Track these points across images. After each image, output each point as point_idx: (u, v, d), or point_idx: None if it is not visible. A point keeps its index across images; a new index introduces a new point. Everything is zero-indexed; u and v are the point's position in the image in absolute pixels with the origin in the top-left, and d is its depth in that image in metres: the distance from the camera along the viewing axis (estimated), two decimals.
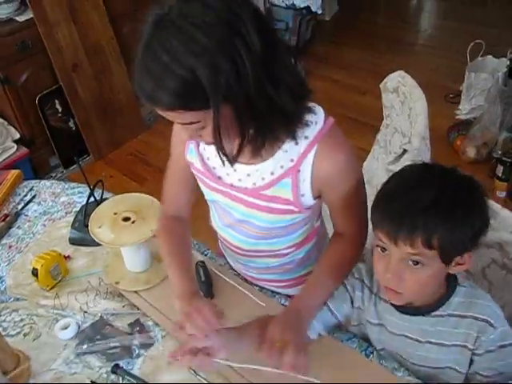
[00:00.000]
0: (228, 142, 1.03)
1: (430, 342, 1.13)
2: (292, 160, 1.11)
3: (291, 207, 1.16)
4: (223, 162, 1.10)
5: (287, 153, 1.11)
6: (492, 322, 1.07)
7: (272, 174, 1.13)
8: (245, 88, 0.93)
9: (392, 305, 1.15)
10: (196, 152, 1.23)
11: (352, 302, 1.22)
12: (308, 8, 4.12)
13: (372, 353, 1.22)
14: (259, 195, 1.16)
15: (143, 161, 3.52)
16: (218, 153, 1.04)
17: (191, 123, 0.98)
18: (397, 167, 1.65)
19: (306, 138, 1.08)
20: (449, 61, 3.99)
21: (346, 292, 1.21)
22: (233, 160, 1.09)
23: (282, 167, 1.12)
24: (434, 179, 1.01)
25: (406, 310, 1.13)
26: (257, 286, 1.44)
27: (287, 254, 1.34)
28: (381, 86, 2.05)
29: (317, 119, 1.09)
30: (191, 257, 1.32)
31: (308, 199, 1.15)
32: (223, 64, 0.90)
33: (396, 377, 1.17)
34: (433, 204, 0.96)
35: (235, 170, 1.17)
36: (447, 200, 0.98)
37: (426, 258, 0.99)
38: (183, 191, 1.34)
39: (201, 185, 1.28)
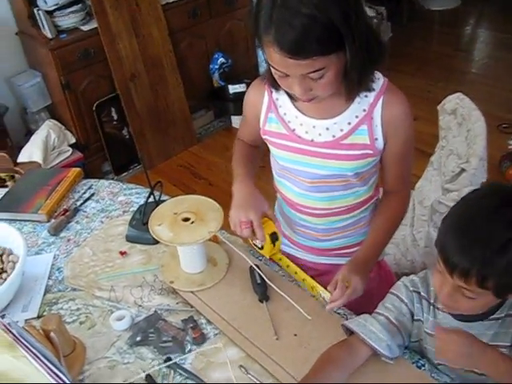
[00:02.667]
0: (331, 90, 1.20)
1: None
2: (364, 110, 1.27)
3: (367, 151, 1.30)
4: (349, 92, 1.24)
5: (359, 104, 1.27)
6: None
7: (349, 124, 1.29)
8: (364, 34, 1.11)
9: (450, 313, 1.15)
10: (277, 118, 1.36)
11: (412, 316, 1.21)
12: None
13: (424, 365, 1.21)
14: (339, 145, 1.30)
15: (193, 173, 3.59)
16: (348, 80, 1.19)
17: (317, 70, 1.11)
18: (454, 186, 1.66)
19: (373, 90, 1.26)
20: (503, 91, 3.97)
21: (405, 307, 1.21)
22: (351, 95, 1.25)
23: (356, 117, 1.28)
24: (508, 219, 0.98)
25: (465, 317, 1.13)
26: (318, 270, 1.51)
27: (358, 207, 1.44)
28: (438, 107, 2.06)
29: (379, 76, 1.28)
30: (256, 166, 1.51)
31: (380, 143, 1.30)
32: (351, 12, 1.07)
33: None
34: (496, 249, 0.96)
35: (314, 127, 1.31)
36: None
37: (479, 294, 1.01)
38: (249, 131, 1.50)
39: (279, 151, 1.38)
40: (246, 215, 1.31)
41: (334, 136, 1.30)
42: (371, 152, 1.30)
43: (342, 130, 1.29)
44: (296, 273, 1.38)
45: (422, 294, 1.21)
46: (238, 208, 1.35)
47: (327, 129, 1.30)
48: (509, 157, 3.20)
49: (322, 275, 1.50)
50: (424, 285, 1.22)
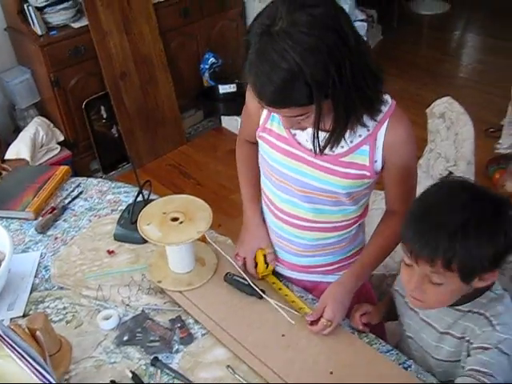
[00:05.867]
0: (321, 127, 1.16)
1: (448, 333, 1.18)
2: (368, 130, 1.23)
3: (364, 172, 1.27)
4: (315, 149, 1.22)
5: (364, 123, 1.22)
6: (494, 322, 1.10)
7: (351, 142, 1.25)
8: (345, 86, 1.06)
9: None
10: (280, 118, 1.30)
11: None
12: None
13: (410, 366, 1.22)
14: (338, 162, 1.27)
15: (182, 172, 3.58)
16: (313, 140, 1.19)
17: (299, 115, 1.12)
18: None
19: (380, 111, 1.21)
20: (490, 96, 4.00)
21: None
22: (322, 150, 1.23)
23: (360, 136, 1.24)
24: (463, 202, 1.05)
25: None
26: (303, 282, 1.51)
27: (345, 227, 1.42)
28: (427, 111, 2.08)
29: (387, 98, 1.24)
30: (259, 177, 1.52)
31: (378, 165, 1.28)
32: (330, 67, 1.02)
33: None
34: (456, 230, 1.01)
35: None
36: (472, 225, 1.01)
37: (446, 278, 1.05)
38: (251, 127, 1.44)
39: (273, 152, 1.34)
40: (244, 253, 1.47)
41: (333, 151, 1.26)
42: (368, 174, 1.27)
43: (342, 147, 1.26)
44: (286, 295, 1.43)
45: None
46: (240, 243, 1.51)
47: (313, 138, 1.23)
48: (496, 161, 3.23)
49: (308, 291, 1.49)
50: None
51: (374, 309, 1.37)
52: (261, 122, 1.36)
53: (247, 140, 1.56)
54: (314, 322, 1.30)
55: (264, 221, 1.52)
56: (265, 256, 1.46)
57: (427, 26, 5.53)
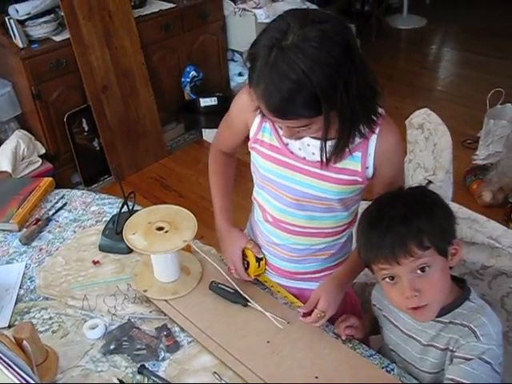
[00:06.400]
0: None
1: (431, 345, 1.20)
2: (360, 137, 1.25)
3: (356, 178, 1.30)
4: (322, 160, 1.25)
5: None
6: (478, 333, 1.13)
7: None
8: (351, 99, 1.10)
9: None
10: (271, 129, 1.34)
11: None
12: None
13: (393, 369, 1.25)
14: (331, 168, 1.29)
15: (163, 185, 3.59)
16: (321, 151, 1.23)
17: (303, 126, 1.15)
18: None
19: (376, 122, 1.25)
20: (467, 108, 4.08)
21: None
22: (328, 162, 1.26)
23: (352, 143, 1.26)
24: (396, 199, 1.18)
25: None
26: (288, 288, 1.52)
27: (336, 233, 1.44)
28: (406, 122, 2.12)
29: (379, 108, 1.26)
30: (232, 189, 1.60)
31: (370, 172, 1.31)
32: (339, 81, 1.06)
33: None
34: (406, 213, 1.11)
35: (308, 145, 1.30)
36: (415, 206, 1.14)
37: (428, 259, 1.11)
38: (231, 138, 1.51)
39: (266, 162, 1.36)
40: (231, 264, 1.49)
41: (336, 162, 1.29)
42: (360, 180, 1.30)
43: None
44: (279, 291, 1.47)
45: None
46: (225, 256, 1.54)
47: (321, 149, 1.26)
48: (473, 172, 3.30)
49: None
50: None
51: (359, 323, 1.38)
52: (252, 134, 1.39)
53: (222, 151, 1.59)
54: (306, 314, 1.33)
55: (233, 224, 1.55)
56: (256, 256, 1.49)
57: (405, 41, 5.65)
